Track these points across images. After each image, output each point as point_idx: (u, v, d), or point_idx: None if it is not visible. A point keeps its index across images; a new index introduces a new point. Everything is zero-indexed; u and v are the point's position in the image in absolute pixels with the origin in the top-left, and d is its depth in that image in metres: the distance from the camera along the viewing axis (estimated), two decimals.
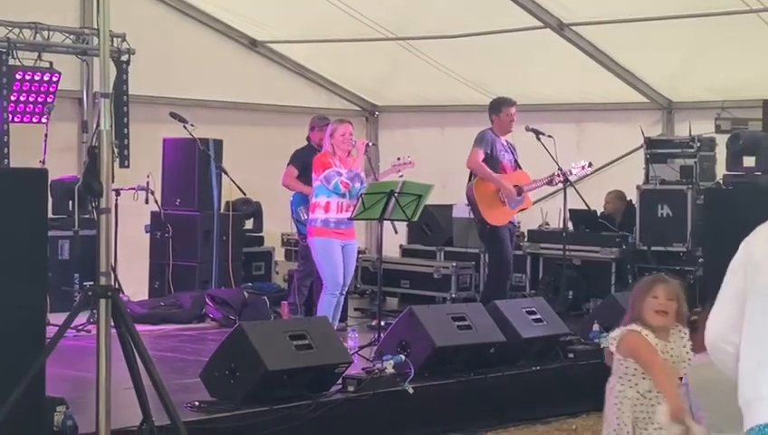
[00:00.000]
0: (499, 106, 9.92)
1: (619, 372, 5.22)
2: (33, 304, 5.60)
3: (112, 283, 5.52)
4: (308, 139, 10.28)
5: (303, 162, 9.91)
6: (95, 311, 8.23)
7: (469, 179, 9.93)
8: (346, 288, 9.03)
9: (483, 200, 9.81)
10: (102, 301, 5.23)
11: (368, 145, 9.22)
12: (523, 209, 10.12)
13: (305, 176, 9.83)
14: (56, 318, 6.26)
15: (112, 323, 5.28)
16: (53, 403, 5.74)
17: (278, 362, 6.56)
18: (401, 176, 9.06)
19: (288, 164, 10.09)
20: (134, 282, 10.69)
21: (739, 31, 10.09)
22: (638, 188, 10.95)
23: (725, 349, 3.29)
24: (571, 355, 8.33)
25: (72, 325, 8.04)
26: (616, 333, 5.20)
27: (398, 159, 9.20)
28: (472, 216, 10.22)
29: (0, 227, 5.49)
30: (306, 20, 11.95)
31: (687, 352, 5.15)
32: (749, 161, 9.55)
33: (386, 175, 9.17)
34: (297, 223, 10.07)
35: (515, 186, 9.80)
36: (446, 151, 12.33)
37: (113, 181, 5.42)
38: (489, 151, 9.78)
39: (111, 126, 5.26)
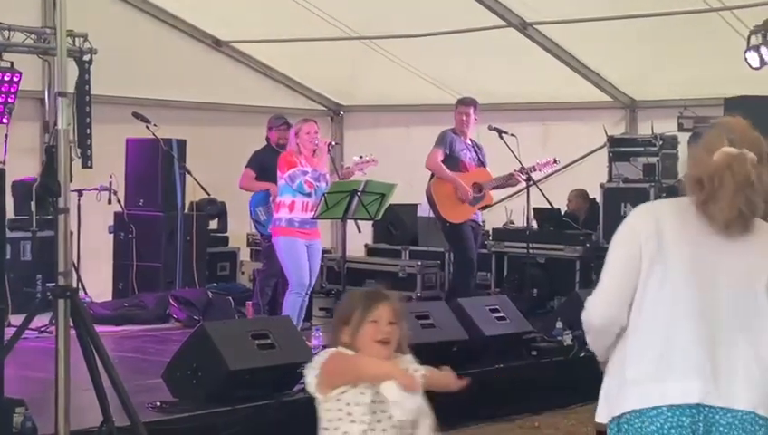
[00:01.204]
0: (456, 105, 10.01)
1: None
2: None
3: (73, 283, 5.49)
4: (267, 139, 10.26)
5: (261, 163, 9.89)
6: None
7: (431, 178, 9.96)
8: (310, 288, 9.02)
9: (441, 198, 9.85)
10: (61, 301, 5.20)
11: (331, 144, 9.22)
12: (485, 207, 10.16)
13: (263, 177, 9.81)
14: (18, 320, 6.21)
15: (72, 324, 5.26)
16: (12, 404, 5.70)
17: (240, 361, 6.54)
18: (364, 174, 9.07)
19: (246, 166, 10.06)
20: (98, 283, 10.65)
21: (701, 30, 10.15)
22: (601, 186, 11.01)
23: (612, 331, 3.29)
24: (534, 353, 8.35)
25: (34, 327, 8.08)
26: (311, 373, 3.71)
27: (361, 157, 9.20)
28: (433, 214, 10.25)
29: None
30: (270, 19, 11.93)
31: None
32: None
33: (349, 173, 9.17)
34: (256, 224, 10.05)
35: (475, 183, 9.83)
36: (411, 150, 12.31)
37: (71, 181, 5.40)
38: (449, 151, 9.82)
39: (70, 125, 5.24)
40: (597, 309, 3.31)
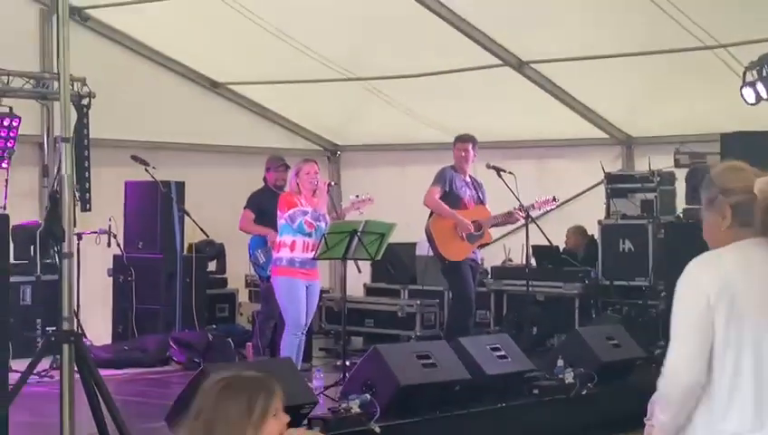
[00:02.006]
0: (454, 142, 10.05)
1: None
2: None
3: (75, 327, 5.50)
4: (264, 180, 10.29)
5: (259, 205, 9.93)
6: (58, 356, 8.23)
7: (429, 216, 9.98)
8: (307, 328, 9.02)
9: (440, 236, 9.86)
10: (65, 346, 5.22)
11: (330, 185, 9.25)
12: (483, 245, 10.16)
13: (262, 218, 9.84)
14: (18, 364, 6.23)
15: (75, 368, 5.26)
16: None
17: None
18: (361, 213, 9.10)
19: (245, 208, 10.09)
20: (97, 326, 10.64)
21: (695, 67, 10.22)
22: (599, 223, 11.04)
23: (698, 390, 3.24)
24: (535, 391, 8.34)
25: (35, 371, 8.06)
26: None
27: (357, 196, 9.24)
28: (431, 253, 10.26)
29: None
30: (266, 61, 11.99)
31: None
32: None
33: (346, 212, 9.20)
34: (255, 266, 10.07)
35: (474, 221, 9.85)
36: (407, 190, 12.35)
37: (75, 226, 5.43)
38: (448, 188, 9.84)
39: (73, 170, 5.27)
40: (682, 367, 3.23)
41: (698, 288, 3.24)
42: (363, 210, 9.16)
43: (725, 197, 3.33)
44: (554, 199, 10.21)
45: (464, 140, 9.95)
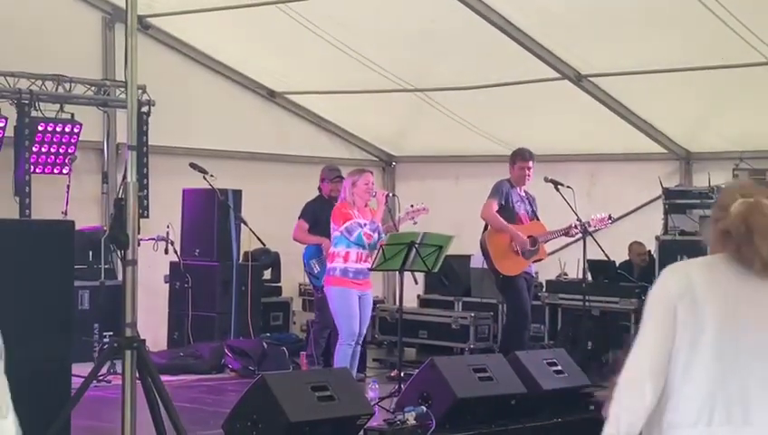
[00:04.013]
0: (514, 158, 9.97)
1: None
2: (59, 356, 5.62)
3: (137, 334, 5.55)
4: (319, 189, 10.32)
5: (314, 215, 9.96)
6: (115, 361, 8.31)
7: (484, 229, 9.95)
8: (362, 338, 9.02)
9: (496, 250, 9.82)
10: (128, 352, 5.26)
11: (388, 196, 9.26)
12: (537, 260, 10.11)
13: (316, 228, 9.87)
14: (77, 369, 6.28)
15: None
16: None
17: (301, 413, 6.55)
18: (415, 223, 9.09)
19: (299, 217, 10.11)
20: (153, 332, 10.69)
21: (756, 82, 10.13)
22: (657, 238, 10.94)
23: (659, 387, 3.37)
24: (592, 407, 8.27)
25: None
26: None
27: (412, 205, 9.21)
28: (486, 266, 10.23)
29: (27, 279, 5.53)
30: (324, 71, 12.05)
31: None
32: None
33: (401, 223, 9.20)
34: (310, 276, 10.09)
35: (530, 236, 9.81)
36: (461, 201, 12.35)
37: (139, 233, 5.48)
38: (504, 202, 9.80)
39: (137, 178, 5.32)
40: (641, 360, 3.40)
41: (664, 292, 3.42)
42: (418, 220, 9.16)
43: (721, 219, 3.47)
44: (610, 218, 10.13)
45: (526, 158, 9.87)
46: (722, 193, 3.55)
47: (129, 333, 5.33)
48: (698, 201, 10.76)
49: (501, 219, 9.74)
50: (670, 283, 3.42)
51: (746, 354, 3.35)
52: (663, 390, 3.37)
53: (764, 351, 3.36)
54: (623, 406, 3.37)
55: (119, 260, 7.60)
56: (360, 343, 9.02)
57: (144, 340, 5.38)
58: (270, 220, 11.24)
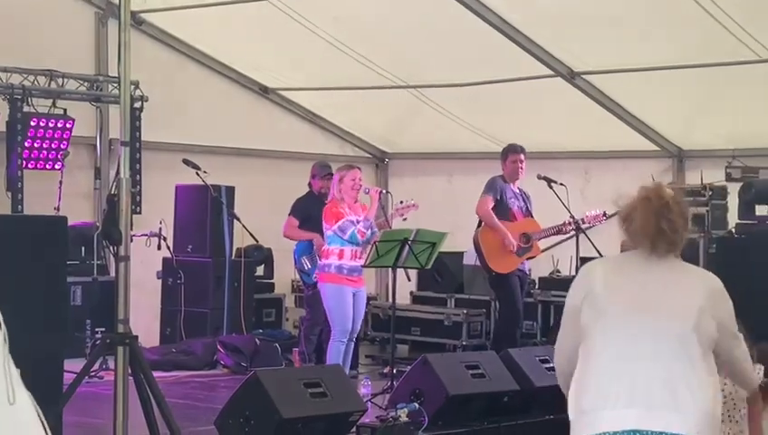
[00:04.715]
0: (506, 153, 9.99)
1: None
2: (51, 351, 5.61)
3: (130, 330, 5.54)
4: (309, 185, 10.30)
5: (304, 211, 9.96)
6: (107, 357, 8.30)
7: (478, 226, 9.95)
8: (355, 334, 9.03)
9: (488, 247, 9.83)
10: (120, 348, 5.25)
11: (381, 193, 9.26)
12: (530, 257, 10.11)
13: (306, 225, 9.87)
14: (69, 365, 6.28)
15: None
16: None
17: (293, 410, 6.55)
18: (405, 219, 9.10)
19: (289, 214, 10.10)
20: (145, 328, 10.66)
21: (749, 79, 10.13)
22: None
23: (570, 372, 3.81)
24: None
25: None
26: None
27: (401, 202, 9.24)
28: (478, 263, 10.23)
29: (19, 274, 5.52)
30: (317, 68, 12.03)
31: None
32: (761, 210, 9.56)
33: (391, 219, 9.20)
34: (301, 273, 10.08)
35: (523, 233, 9.80)
36: (454, 199, 12.36)
37: (132, 229, 5.47)
38: (499, 198, 9.80)
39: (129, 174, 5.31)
40: (557, 356, 3.93)
41: (578, 285, 3.81)
42: (407, 216, 9.17)
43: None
44: (604, 215, 10.13)
45: (517, 151, 9.90)
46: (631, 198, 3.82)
47: (121, 329, 5.32)
48: (691, 199, 10.73)
49: (495, 217, 9.74)
50: (574, 290, 3.83)
51: (643, 342, 3.63)
52: (575, 377, 3.73)
53: (665, 335, 3.64)
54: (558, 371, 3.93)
55: (111, 256, 7.58)
56: (354, 339, 9.02)
57: (136, 336, 5.37)
58: (263, 216, 11.23)
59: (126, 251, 5.32)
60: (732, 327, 3.82)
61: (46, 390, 5.48)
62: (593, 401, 3.63)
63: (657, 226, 3.67)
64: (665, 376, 3.60)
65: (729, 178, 10.76)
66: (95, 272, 10.10)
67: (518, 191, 10.01)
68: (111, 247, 5.48)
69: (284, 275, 12.22)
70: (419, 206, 9.32)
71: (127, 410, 5.30)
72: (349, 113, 13.26)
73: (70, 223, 9.84)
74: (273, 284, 12.16)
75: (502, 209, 9.82)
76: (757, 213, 9.51)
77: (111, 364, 5.86)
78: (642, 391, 3.59)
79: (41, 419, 2.53)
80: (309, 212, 9.88)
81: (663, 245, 3.70)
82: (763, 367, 5.17)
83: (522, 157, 9.89)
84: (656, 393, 3.58)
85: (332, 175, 9.91)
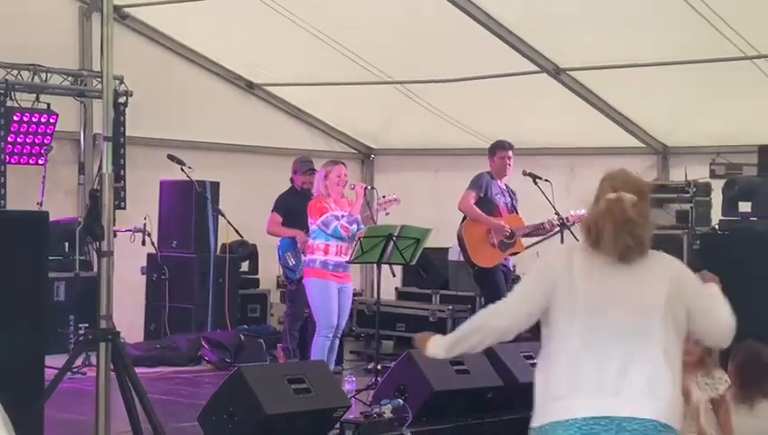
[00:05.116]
0: (494, 149, 9.98)
1: None
2: (31, 347, 5.58)
3: (112, 326, 5.52)
4: (291, 180, 10.28)
5: (287, 207, 9.94)
6: (90, 353, 8.27)
7: (462, 222, 9.95)
8: (341, 331, 9.02)
9: (472, 242, 9.82)
10: (102, 344, 5.24)
11: (366, 188, 9.25)
12: (514, 253, 10.10)
13: (289, 221, 9.85)
14: (51, 360, 6.24)
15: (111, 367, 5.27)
16: None
17: (277, 405, 6.54)
18: (387, 214, 9.09)
19: (272, 211, 10.07)
20: (129, 324, 10.63)
21: (734, 77, 10.15)
22: None
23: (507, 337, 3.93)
24: None
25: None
26: None
27: (383, 196, 9.23)
28: (463, 258, 10.21)
29: None
30: (303, 63, 12.01)
31: None
32: (745, 207, 9.57)
33: (376, 215, 9.20)
34: (285, 269, 10.06)
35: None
36: (440, 195, 12.35)
37: (114, 224, 5.45)
38: (483, 194, 9.80)
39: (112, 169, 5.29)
40: (502, 316, 3.90)
41: (548, 267, 3.85)
42: (390, 211, 9.16)
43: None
44: None
45: (505, 147, 9.89)
46: (599, 185, 3.91)
47: (103, 324, 5.30)
48: (675, 195, 10.77)
49: (478, 210, 9.73)
50: (557, 261, 3.84)
51: (612, 333, 3.71)
52: (546, 365, 3.78)
53: (627, 329, 3.70)
54: (471, 321, 3.91)
55: (94, 252, 7.55)
56: (339, 335, 9.01)
57: (119, 332, 5.36)
58: (248, 212, 11.20)
59: (108, 246, 5.30)
60: (701, 291, 3.90)
61: (28, 386, 5.48)
62: (565, 387, 3.70)
63: (624, 243, 3.73)
64: (635, 364, 3.68)
65: (713, 174, 10.78)
66: (77, 268, 10.05)
67: (504, 188, 10.00)
68: (94, 243, 5.45)
69: (269, 271, 12.19)
70: (403, 201, 9.30)
71: (109, 406, 5.28)
72: (335, 109, 13.24)
73: (53, 218, 9.84)
74: (257, 279, 12.14)
75: (487, 205, 9.81)
76: (740, 210, 9.50)
77: (95, 360, 5.83)
78: (612, 378, 3.67)
79: (6, 426, 2.51)
80: (292, 208, 9.86)
81: (631, 257, 3.76)
82: (726, 377, 5.17)
83: (509, 153, 9.89)
84: (625, 380, 3.66)
85: (314, 170, 9.92)
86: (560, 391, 3.72)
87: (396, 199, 9.16)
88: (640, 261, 3.78)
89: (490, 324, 3.90)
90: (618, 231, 3.72)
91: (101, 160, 5.33)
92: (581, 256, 3.81)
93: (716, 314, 3.92)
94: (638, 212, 3.76)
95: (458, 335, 3.97)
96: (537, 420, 3.81)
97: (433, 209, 11.72)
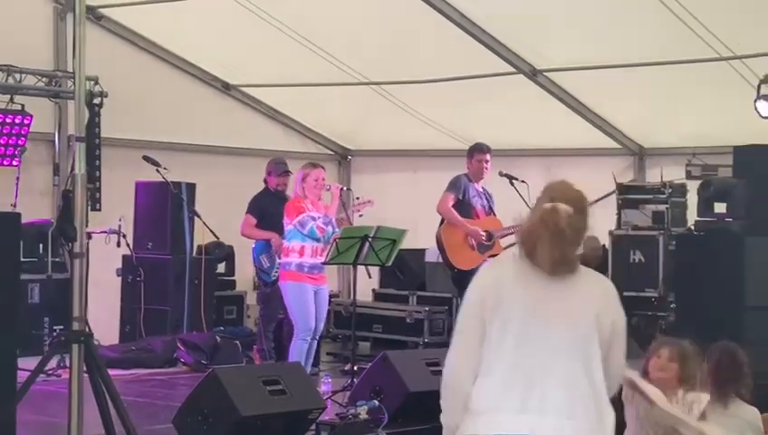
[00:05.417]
0: (472, 152, 9.98)
1: None
2: (3, 348, 5.54)
3: (85, 328, 5.48)
4: (265, 181, 10.25)
5: (261, 209, 9.91)
6: (64, 355, 8.22)
7: (440, 224, 9.94)
8: (318, 333, 9.00)
9: (450, 244, 9.82)
10: (75, 346, 5.20)
11: (342, 189, 9.24)
12: (493, 255, 10.09)
13: (264, 222, 9.82)
14: (25, 362, 6.20)
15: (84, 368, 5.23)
16: None
17: (252, 407, 6.51)
18: (361, 216, 9.09)
19: (246, 212, 10.04)
20: (105, 326, 10.60)
21: (710, 78, 10.19)
22: (610, 233, 10.98)
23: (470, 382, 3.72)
24: None
25: (43, 370, 8.04)
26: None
27: (357, 198, 9.24)
28: (441, 260, 10.21)
29: None
30: (279, 64, 11.98)
31: None
32: (720, 207, 9.62)
33: (351, 216, 9.20)
34: (259, 271, 10.03)
35: (485, 231, 9.81)
36: (418, 195, 12.33)
37: (87, 226, 5.41)
38: (461, 196, 9.80)
39: (85, 170, 5.25)
40: (456, 364, 3.76)
41: (478, 286, 3.80)
42: (363, 212, 9.16)
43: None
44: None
45: (483, 150, 9.90)
46: (540, 194, 3.79)
47: (76, 326, 5.25)
48: (651, 196, 10.83)
49: (456, 214, 9.74)
50: (486, 280, 3.79)
51: (542, 348, 3.65)
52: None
53: (558, 344, 3.66)
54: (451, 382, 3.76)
55: (67, 253, 7.52)
56: (317, 338, 8.99)
57: (92, 334, 5.32)
58: (224, 214, 11.16)
59: (81, 248, 5.25)
60: (622, 330, 3.82)
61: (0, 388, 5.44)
62: (488, 403, 3.65)
63: (551, 255, 3.66)
64: (561, 383, 3.63)
65: (689, 175, 10.84)
66: (50, 269, 9.99)
67: (481, 190, 10.02)
68: (66, 244, 5.41)
69: (246, 273, 12.13)
70: (381, 202, 9.33)
71: (82, 409, 5.24)
72: (311, 110, 13.21)
73: (28, 220, 9.80)
74: (234, 281, 12.11)
75: (464, 207, 9.82)
76: (716, 210, 9.56)
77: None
78: (537, 397, 3.62)
79: None
80: (266, 209, 9.84)
81: (561, 271, 3.70)
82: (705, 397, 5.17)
83: (487, 157, 9.90)
84: (550, 400, 3.62)
85: (289, 172, 9.91)
86: (482, 405, 3.67)
87: (369, 201, 9.17)
88: (571, 277, 3.73)
89: (458, 385, 3.76)
90: (550, 243, 3.65)
91: (73, 161, 5.28)
92: (514, 269, 3.76)
93: (621, 358, 3.84)
94: (570, 225, 3.66)
95: (444, 405, 3.84)
96: (459, 433, 3.77)
97: (410, 210, 11.70)
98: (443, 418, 3.84)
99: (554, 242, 3.64)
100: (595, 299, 3.75)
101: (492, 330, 3.69)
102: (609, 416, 3.72)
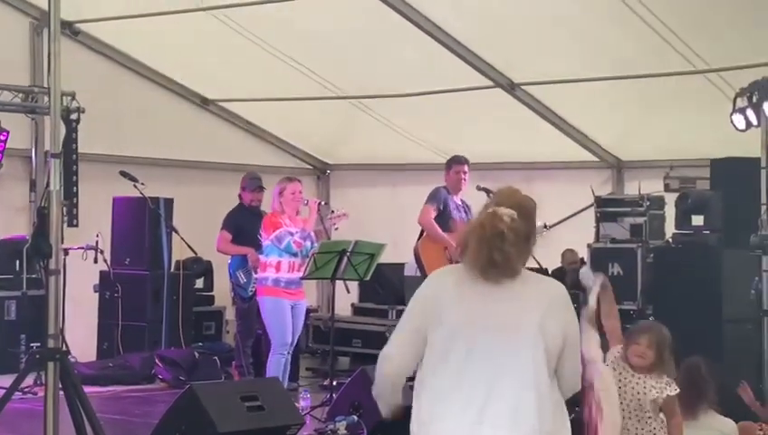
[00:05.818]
0: (450, 163, 9.98)
1: None
2: None
3: (61, 345, 5.44)
4: (239, 196, 10.23)
5: (237, 224, 9.90)
6: (42, 373, 8.16)
7: (419, 237, 9.93)
8: (293, 347, 8.97)
9: (429, 258, 9.79)
10: (50, 364, 5.16)
11: (320, 204, 9.22)
12: None
13: (239, 238, 9.80)
14: (1, 380, 6.16)
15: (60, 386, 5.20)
16: None
17: (229, 423, 6.48)
18: (336, 229, 9.08)
19: (222, 228, 10.01)
20: (82, 342, 10.56)
21: (686, 91, 10.23)
22: (588, 246, 10.99)
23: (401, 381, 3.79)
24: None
25: (19, 387, 7.98)
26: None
27: (333, 211, 9.23)
28: (419, 273, 10.20)
29: None
30: (257, 78, 11.97)
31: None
32: (697, 220, 9.64)
33: (329, 230, 9.18)
34: (236, 287, 10.01)
35: None
36: (396, 210, 12.34)
37: (63, 242, 5.37)
38: (441, 208, 9.80)
39: (61, 186, 5.22)
40: (392, 362, 3.79)
41: (420, 296, 3.77)
42: (338, 225, 9.15)
43: None
44: (545, 226, 10.14)
45: (461, 162, 9.91)
46: (487, 201, 3.80)
47: (52, 344, 5.21)
48: (629, 209, 10.83)
49: (437, 227, 9.73)
50: (428, 290, 3.77)
51: (480, 356, 3.63)
52: (418, 389, 3.71)
53: (497, 352, 3.62)
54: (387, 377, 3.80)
55: (42, 270, 7.46)
56: (291, 352, 8.96)
57: (68, 351, 5.28)
58: (202, 229, 11.11)
59: (56, 265, 5.21)
60: (574, 336, 3.74)
61: None
62: (431, 413, 3.65)
63: (488, 256, 3.60)
64: (500, 391, 3.60)
65: (667, 188, 10.85)
66: (24, 286, 9.93)
67: (460, 203, 10.02)
68: (42, 261, 5.37)
69: (224, 288, 12.04)
70: (360, 216, 9.33)
71: (57, 427, 5.19)
72: (290, 124, 13.20)
73: (4, 236, 9.78)
74: (212, 296, 12.06)
75: (444, 220, 9.80)
76: (693, 223, 9.58)
77: None
78: (478, 405, 3.59)
79: None
80: (241, 225, 9.83)
81: (493, 273, 3.63)
82: (674, 383, 5.28)
83: (465, 168, 9.90)
84: (491, 408, 3.59)
85: (263, 188, 9.90)
86: (426, 416, 3.67)
87: (344, 214, 9.17)
88: (511, 283, 3.66)
89: (383, 372, 3.82)
90: (482, 243, 3.60)
91: (48, 177, 5.25)
92: (455, 277, 3.71)
93: (575, 364, 3.77)
94: (511, 228, 3.61)
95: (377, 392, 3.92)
96: None
97: (390, 225, 11.69)
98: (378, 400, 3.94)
99: (489, 244, 3.59)
100: (538, 305, 3.65)
101: (434, 338, 3.67)
102: (558, 422, 3.66)
